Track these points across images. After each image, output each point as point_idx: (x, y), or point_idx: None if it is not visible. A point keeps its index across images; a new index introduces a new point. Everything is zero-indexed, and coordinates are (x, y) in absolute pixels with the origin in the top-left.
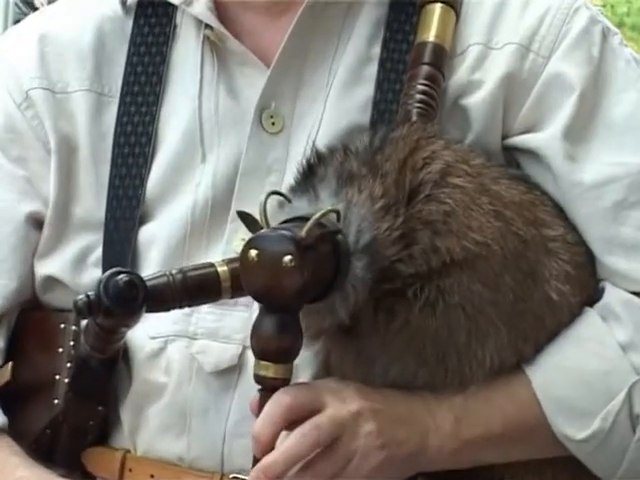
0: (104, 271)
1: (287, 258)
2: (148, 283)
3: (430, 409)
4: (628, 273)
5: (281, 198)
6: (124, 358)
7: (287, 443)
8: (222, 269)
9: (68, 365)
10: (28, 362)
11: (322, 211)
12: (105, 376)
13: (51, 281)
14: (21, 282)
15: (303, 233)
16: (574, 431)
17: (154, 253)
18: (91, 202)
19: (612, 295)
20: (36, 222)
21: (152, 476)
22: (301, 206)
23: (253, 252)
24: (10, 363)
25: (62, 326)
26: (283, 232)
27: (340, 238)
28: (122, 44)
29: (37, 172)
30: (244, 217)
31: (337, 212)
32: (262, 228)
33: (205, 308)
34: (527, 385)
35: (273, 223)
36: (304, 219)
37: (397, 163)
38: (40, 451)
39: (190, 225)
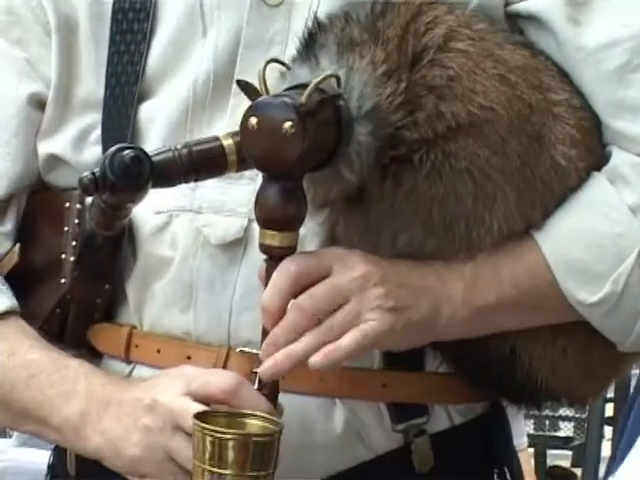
0: (104, 148)
1: (287, 124)
2: (153, 158)
3: (440, 277)
4: (635, 136)
5: (283, 68)
6: (129, 234)
7: (286, 316)
8: (227, 142)
9: (74, 244)
10: (36, 243)
11: (321, 76)
12: (111, 253)
13: (53, 160)
14: (26, 164)
15: (303, 99)
16: (585, 295)
17: (155, 130)
18: (92, 82)
19: (620, 158)
20: (38, 103)
21: (158, 351)
22: (302, 74)
23: (253, 120)
24: (18, 245)
25: (67, 205)
26: (283, 99)
27: (342, 104)
28: None
29: (37, 54)
30: (243, 86)
31: (337, 77)
32: (261, 96)
33: (209, 182)
34: (537, 250)
35: (274, 92)
36: (305, 86)
37: (399, 28)
38: (51, 331)
39: (192, 100)
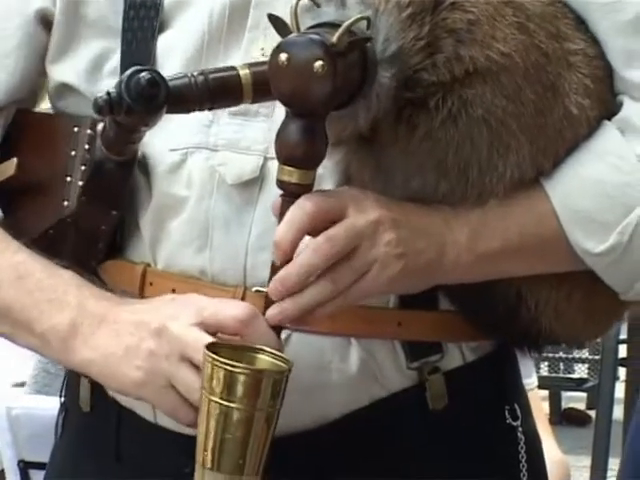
0: None
1: (318, 64)
2: (170, 83)
3: (447, 222)
4: None
5: (307, 3)
6: (144, 171)
7: (301, 255)
8: (244, 72)
9: (82, 168)
10: (36, 161)
11: (354, 18)
12: (120, 180)
13: (66, 88)
14: (22, 79)
15: (334, 39)
16: (592, 244)
17: (171, 62)
18: (104, 4)
19: (631, 109)
20: (45, 20)
21: (173, 290)
22: (328, 11)
23: (283, 56)
24: (15, 159)
25: (76, 129)
26: (314, 37)
27: (368, 46)
28: None
29: None
30: (274, 20)
31: (368, 20)
32: (291, 32)
33: (225, 119)
34: (545, 199)
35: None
36: (331, 25)
37: None
38: (38, 250)
39: (207, 34)
